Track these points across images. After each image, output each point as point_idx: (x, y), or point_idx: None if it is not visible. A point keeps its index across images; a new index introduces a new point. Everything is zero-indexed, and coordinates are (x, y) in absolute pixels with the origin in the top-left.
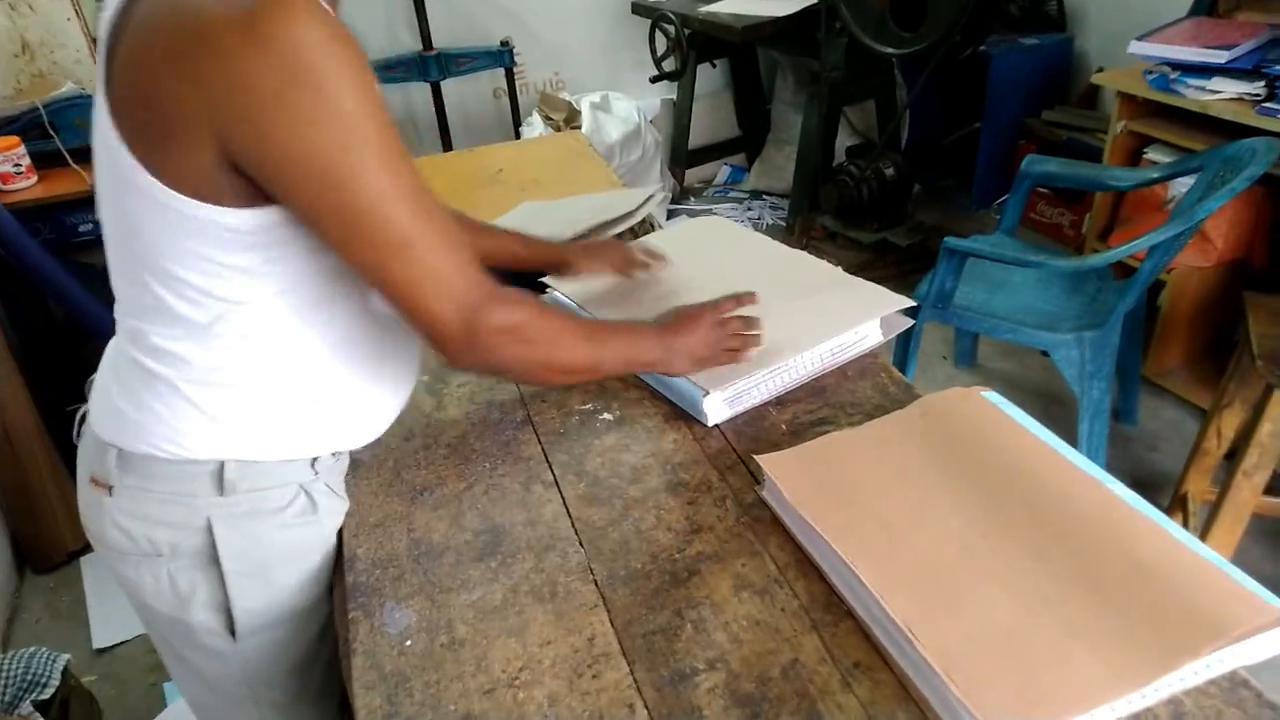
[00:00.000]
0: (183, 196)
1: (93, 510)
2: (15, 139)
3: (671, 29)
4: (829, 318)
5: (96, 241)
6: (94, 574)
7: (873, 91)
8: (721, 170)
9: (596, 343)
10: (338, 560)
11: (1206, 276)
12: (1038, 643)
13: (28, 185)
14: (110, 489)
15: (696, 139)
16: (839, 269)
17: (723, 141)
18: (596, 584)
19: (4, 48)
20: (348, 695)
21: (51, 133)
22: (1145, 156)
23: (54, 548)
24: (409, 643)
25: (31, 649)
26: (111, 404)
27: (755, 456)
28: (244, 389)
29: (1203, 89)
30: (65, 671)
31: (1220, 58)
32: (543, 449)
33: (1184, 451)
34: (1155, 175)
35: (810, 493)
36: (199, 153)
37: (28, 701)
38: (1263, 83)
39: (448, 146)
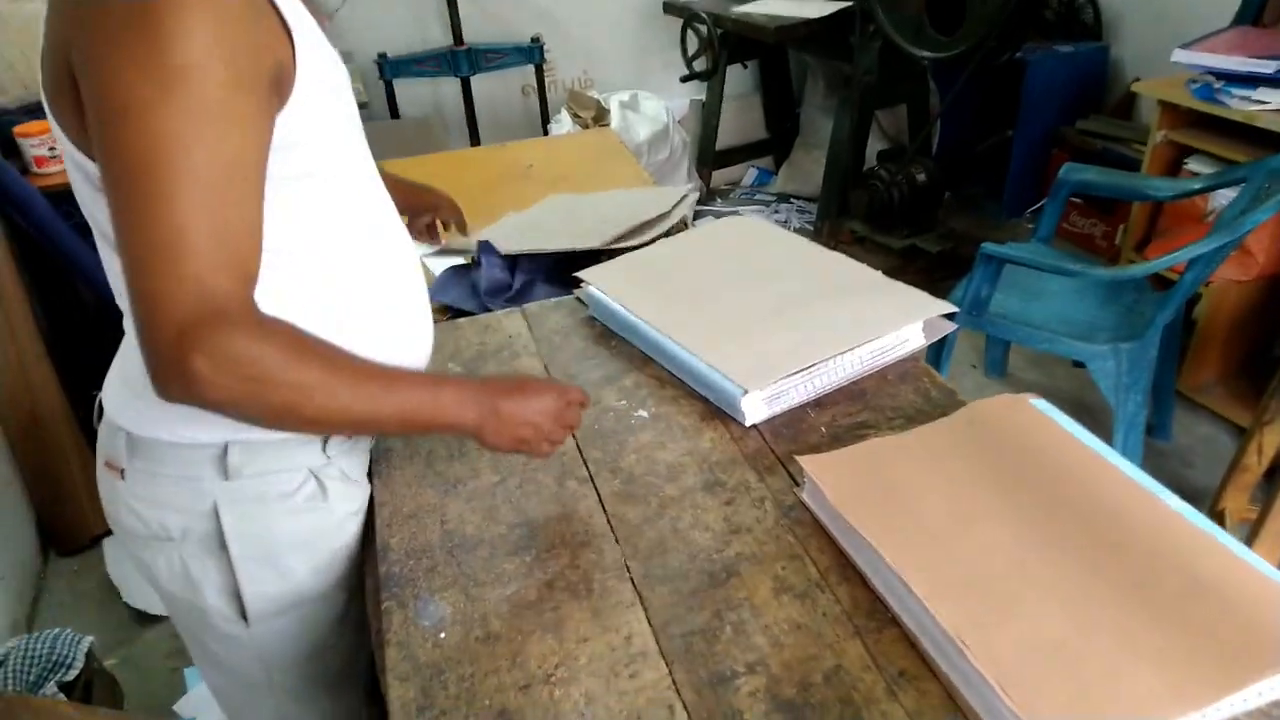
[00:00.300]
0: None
1: (109, 494)
2: (47, 123)
3: (704, 29)
4: (870, 320)
5: None
6: (114, 557)
7: (905, 96)
8: (748, 172)
9: (372, 392)
10: (368, 550)
11: (1245, 290)
12: (1091, 656)
13: (60, 169)
14: (122, 472)
15: (724, 140)
16: (878, 273)
17: (750, 144)
18: (633, 582)
19: (38, 34)
20: (379, 685)
21: None
22: (1185, 167)
23: (79, 530)
24: (443, 635)
25: (56, 630)
26: (120, 387)
27: (797, 458)
28: None
29: (1248, 99)
30: (89, 654)
31: (1268, 68)
32: (577, 444)
33: (1219, 468)
34: (1197, 186)
35: (854, 497)
36: (78, 105)
37: (52, 682)
38: None
39: (475, 142)
